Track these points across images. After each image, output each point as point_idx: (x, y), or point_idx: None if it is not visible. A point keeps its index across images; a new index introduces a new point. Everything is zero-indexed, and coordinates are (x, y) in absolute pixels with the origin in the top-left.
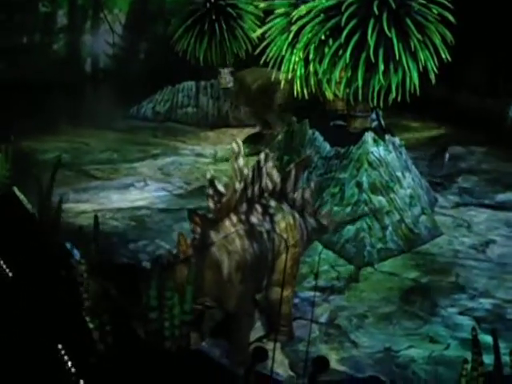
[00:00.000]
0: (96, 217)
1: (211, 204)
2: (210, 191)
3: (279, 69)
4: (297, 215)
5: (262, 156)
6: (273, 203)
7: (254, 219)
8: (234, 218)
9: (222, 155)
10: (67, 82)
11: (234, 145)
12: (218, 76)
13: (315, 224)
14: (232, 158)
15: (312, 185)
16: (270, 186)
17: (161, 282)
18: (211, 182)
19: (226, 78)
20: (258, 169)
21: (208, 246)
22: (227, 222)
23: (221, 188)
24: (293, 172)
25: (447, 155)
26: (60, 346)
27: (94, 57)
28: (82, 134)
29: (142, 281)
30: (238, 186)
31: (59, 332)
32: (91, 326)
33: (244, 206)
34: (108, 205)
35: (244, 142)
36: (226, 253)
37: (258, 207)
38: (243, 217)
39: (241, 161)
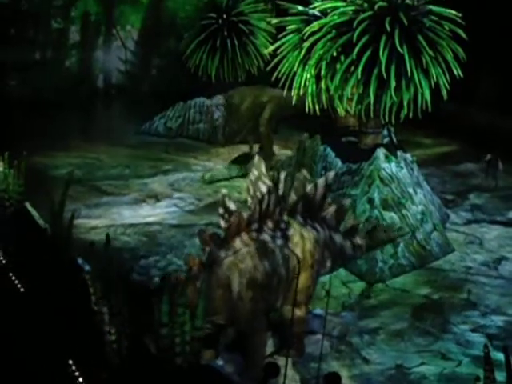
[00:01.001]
0: (107, 234)
1: (222, 223)
2: (221, 210)
3: (291, 85)
4: (321, 234)
5: (282, 175)
6: (288, 222)
7: (266, 238)
8: (245, 237)
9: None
10: (80, 97)
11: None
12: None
13: (348, 244)
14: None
15: (344, 203)
16: (288, 204)
17: (172, 298)
18: (223, 201)
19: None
20: (274, 187)
21: (218, 264)
22: (238, 241)
23: (232, 206)
24: (318, 189)
25: (500, 165)
26: (71, 362)
27: (107, 73)
28: (94, 149)
29: (154, 297)
30: (251, 205)
31: (70, 347)
32: (103, 341)
33: (257, 225)
34: (119, 220)
35: (232, 162)
36: (236, 271)
37: (272, 226)
38: (255, 235)
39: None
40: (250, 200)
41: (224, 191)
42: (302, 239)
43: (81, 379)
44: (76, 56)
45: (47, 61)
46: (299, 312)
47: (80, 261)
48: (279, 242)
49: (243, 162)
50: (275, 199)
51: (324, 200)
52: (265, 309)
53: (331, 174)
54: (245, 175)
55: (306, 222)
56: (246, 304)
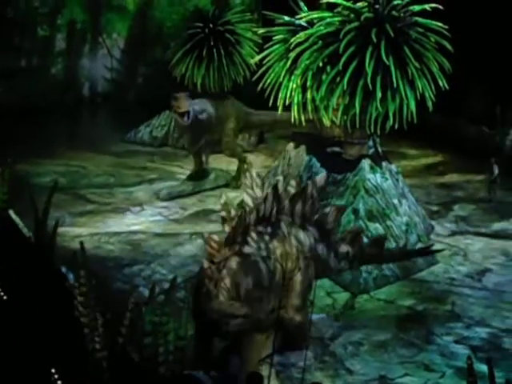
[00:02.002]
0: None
1: (226, 227)
2: (224, 214)
3: (277, 95)
4: (311, 240)
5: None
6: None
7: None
8: (250, 240)
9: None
10: (65, 105)
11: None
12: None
13: (332, 256)
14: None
15: (335, 209)
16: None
17: (156, 307)
18: (225, 206)
19: (183, 102)
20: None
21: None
22: (245, 245)
23: (233, 212)
24: (309, 192)
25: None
26: (53, 370)
27: (92, 81)
28: (78, 157)
29: (138, 306)
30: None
31: (53, 356)
32: (86, 349)
33: (258, 228)
34: (104, 229)
35: (188, 179)
36: (242, 271)
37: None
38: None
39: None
40: (247, 206)
41: (224, 198)
42: (282, 245)
43: None
44: (62, 63)
45: (33, 68)
46: (298, 317)
47: (64, 269)
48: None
49: (198, 178)
50: (272, 205)
51: (314, 204)
52: (269, 310)
53: (322, 176)
54: (198, 192)
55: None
56: (253, 305)
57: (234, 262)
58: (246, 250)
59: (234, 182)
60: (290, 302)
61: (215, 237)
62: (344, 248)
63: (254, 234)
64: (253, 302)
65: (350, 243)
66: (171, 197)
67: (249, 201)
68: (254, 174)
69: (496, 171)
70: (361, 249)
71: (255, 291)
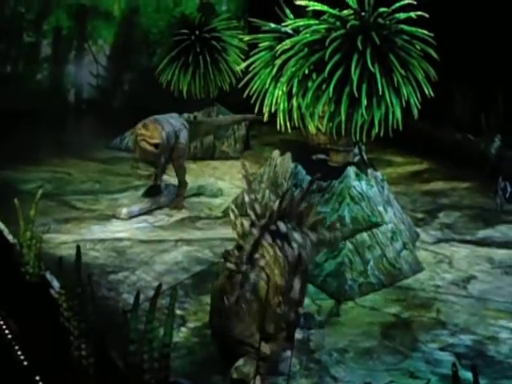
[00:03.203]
0: (78, 247)
1: (237, 235)
2: (236, 222)
3: (262, 102)
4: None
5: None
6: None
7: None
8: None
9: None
10: (50, 111)
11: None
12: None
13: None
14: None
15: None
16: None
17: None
18: (233, 213)
19: (155, 132)
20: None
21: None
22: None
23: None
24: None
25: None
26: (38, 378)
27: (78, 87)
28: (64, 164)
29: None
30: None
31: (38, 363)
32: (71, 356)
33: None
34: (89, 236)
35: (144, 195)
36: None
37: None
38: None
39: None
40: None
41: (232, 206)
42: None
43: None
44: (47, 70)
45: (19, 74)
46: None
47: (49, 276)
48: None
49: (153, 193)
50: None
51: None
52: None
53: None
54: (159, 208)
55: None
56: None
57: (253, 276)
58: (262, 262)
59: None
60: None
61: (235, 252)
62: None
63: (266, 245)
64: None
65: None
66: (131, 216)
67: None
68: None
69: (509, 189)
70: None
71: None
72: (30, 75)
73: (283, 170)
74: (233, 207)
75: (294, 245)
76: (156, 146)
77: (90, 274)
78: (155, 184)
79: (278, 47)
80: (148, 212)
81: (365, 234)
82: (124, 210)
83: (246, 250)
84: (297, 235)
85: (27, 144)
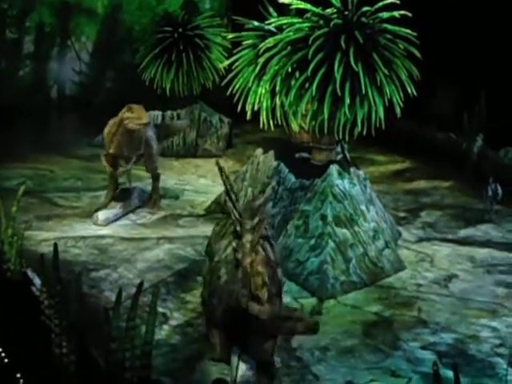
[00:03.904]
0: (56, 245)
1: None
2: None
3: (245, 100)
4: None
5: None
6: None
7: None
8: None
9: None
10: (32, 108)
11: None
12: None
13: None
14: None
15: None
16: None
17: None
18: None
19: (142, 112)
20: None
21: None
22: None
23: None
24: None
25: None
26: (19, 375)
27: (60, 84)
28: (46, 161)
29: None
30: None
31: (19, 361)
32: (52, 354)
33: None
34: (71, 233)
35: (115, 200)
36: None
37: None
38: None
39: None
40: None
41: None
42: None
43: None
44: (30, 66)
45: (1, 71)
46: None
47: (30, 273)
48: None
49: (124, 197)
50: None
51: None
52: None
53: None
54: (133, 211)
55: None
56: None
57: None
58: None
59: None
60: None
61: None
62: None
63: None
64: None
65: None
66: (108, 222)
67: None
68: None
69: (500, 191)
70: None
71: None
72: (13, 72)
73: (266, 168)
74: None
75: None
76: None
77: (78, 271)
78: (126, 187)
79: (261, 45)
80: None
81: (347, 233)
82: (101, 217)
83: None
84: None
85: (9, 141)
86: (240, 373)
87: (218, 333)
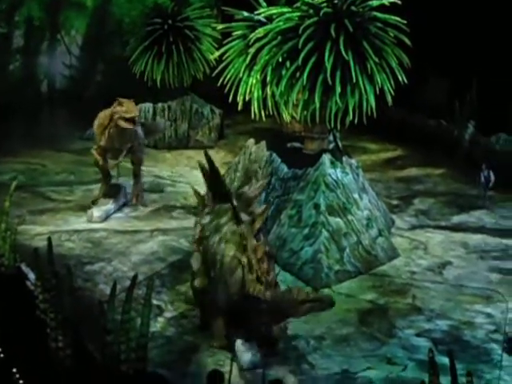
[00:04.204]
0: (50, 239)
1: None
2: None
3: (236, 91)
4: None
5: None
6: None
7: None
8: None
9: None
10: (23, 102)
11: None
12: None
13: None
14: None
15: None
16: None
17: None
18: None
19: (131, 106)
20: None
21: None
22: None
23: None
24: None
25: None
26: (15, 370)
27: (51, 78)
28: (38, 155)
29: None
30: None
31: (14, 355)
32: (48, 348)
33: None
34: (64, 227)
35: (104, 196)
36: None
37: None
38: None
39: None
40: None
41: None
42: None
43: None
44: (20, 61)
45: None
46: None
47: (24, 267)
48: None
49: (115, 193)
50: None
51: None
52: None
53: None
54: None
55: None
56: None
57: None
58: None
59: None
60: None
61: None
62: None
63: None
64: None
65: None
66: (102, 219)
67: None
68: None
69: (492, 178)
70: None
71: None
72: (2, 66)
73: (258, 158)
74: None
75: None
76: (133, 121)
77: (68, 265)
78: (116, 183)
79: (251, 36)
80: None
81: (341, 221)
82: (96, 214)
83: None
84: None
85: (0, 135)
86: (246, 359)
87: (219, 321)
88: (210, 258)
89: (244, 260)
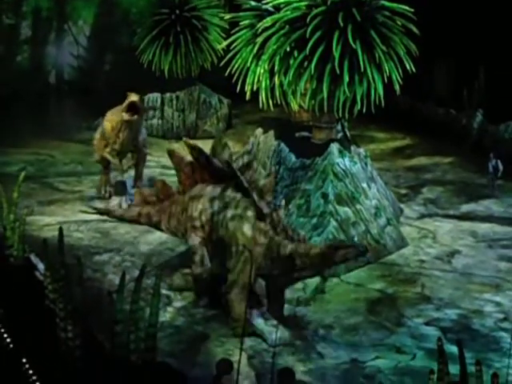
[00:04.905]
0: (61, 229)
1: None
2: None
3: (244, 81)
4: None
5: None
6: None
7: None
8: None
9: None
10: (31, 93)
11: None
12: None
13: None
14: None
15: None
16: None
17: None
18: None
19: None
20: None
21: None
22: None
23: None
24: None
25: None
26: (25, 360)
27: (59, 68)
28: (46, 146)
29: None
30: None
31: (24, 345)
32: (58, 338)
33: None
34: (72, 217)
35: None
36: None
37: None
38: None
39: None
40: None
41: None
42: None
43: (35, 377)
44: (27, 51)
45: None
46: None
47: (33, 258)
48: None
49: (122, 190)
50: None
51: None
52: None
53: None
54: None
55: None
56: None
57: None
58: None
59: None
60: None
61: None
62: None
63: None
64: None
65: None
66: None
67: None
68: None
69: (501, 167)
70: None
71: None
72: (10, 57)
73: (266, 148)
74: None
75: None
76: (135, 110)
77: (77, 255)
78: (120, 180)
79: (258, 25)
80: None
81: (349, 211)
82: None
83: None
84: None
85: (8, 126)
86: (274, 336)
87: (240, 303)
88: (221, 241)
89: (267, 228)
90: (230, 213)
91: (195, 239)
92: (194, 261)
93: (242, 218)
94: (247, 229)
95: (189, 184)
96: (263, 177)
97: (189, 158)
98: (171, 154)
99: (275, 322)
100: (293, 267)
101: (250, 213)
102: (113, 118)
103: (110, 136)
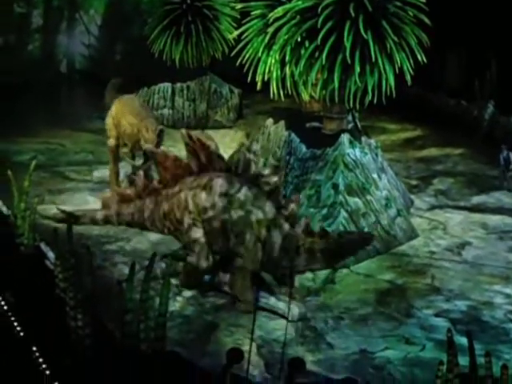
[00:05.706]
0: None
1: None
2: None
3: (255, 71)
4: None
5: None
6: None
7: None
8: None
9: None
10: (42, 82)
11: None
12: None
13: None
14: None
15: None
16: None
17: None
18: None
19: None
20: None
21: None
22: None
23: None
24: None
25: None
26: (35, 348)
27: (70, 58)
28: (57, 135)
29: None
30: None
31: (34, 334)
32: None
33: None
34: (83, 206)
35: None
36: None
37: None
38: None
39: None
40: None
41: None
42: None
43: (45, 365)
44: (39, 40)
45: (10, 45)
46: None
47: (44, 247)
48: None
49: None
50: None
51: None
52: None
53: None
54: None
55: None
56: None
57: None
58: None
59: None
60: None
61: None
62: None
63: None
64: None
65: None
66: None
67: None
68: None
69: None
70: None
71: None
72: (22, 46)
73: (277, 138)
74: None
75: None
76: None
77: (87, 244)
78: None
79: (270, 15)
80: None
81: (359, 201)
82: None
83: None
84: None
85: (20, 115)
86: (295, 312)
87: (247, 284)
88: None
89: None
90: (243, 206)
91: (197, 231)
92: (197, 254)
93: (253, 211)
94: (261, 222)
95: (171, 179)
96: (271, 166)
97: (172, 153)
98: (154, 152)
99: (287, 299)
100: (311, 260)
101: (264, 206)
102: (129, 123)
103: (129, 141)
